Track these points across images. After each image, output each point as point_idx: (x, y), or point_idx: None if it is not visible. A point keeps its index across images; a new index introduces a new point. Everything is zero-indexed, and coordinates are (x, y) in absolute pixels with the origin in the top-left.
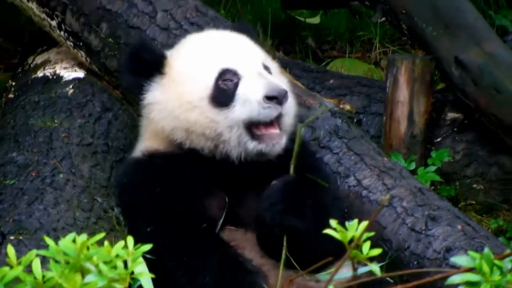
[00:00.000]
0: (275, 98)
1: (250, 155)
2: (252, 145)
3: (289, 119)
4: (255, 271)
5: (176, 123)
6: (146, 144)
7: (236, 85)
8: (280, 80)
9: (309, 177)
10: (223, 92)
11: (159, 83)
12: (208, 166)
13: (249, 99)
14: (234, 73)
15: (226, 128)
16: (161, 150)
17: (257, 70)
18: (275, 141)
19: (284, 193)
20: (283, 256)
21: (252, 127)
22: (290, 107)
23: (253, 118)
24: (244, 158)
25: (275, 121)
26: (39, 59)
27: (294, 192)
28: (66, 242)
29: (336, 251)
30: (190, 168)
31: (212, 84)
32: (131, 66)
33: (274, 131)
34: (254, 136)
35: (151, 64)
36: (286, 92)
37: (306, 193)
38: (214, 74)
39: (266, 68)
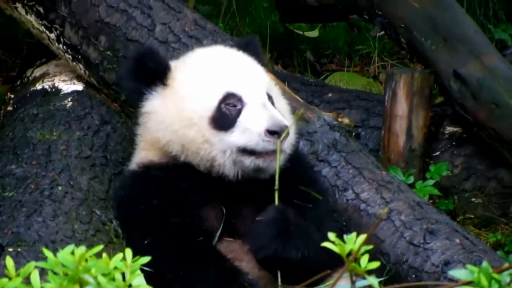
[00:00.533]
0: (276, 133)
1: (247, 172)
2: (249, 160)
3: (288, 147)
4: (252, 284)
5: (172, 137)
6: (141, 155)
7: (239, 112)
8: (282, 112)
9: (302, 190)
10: (225, 116)
11: (160, 93)
12: (203, 179)
13: (250, 129)
14: (239, 99)
15: (219, 152)
16: (156, 161)
17: (262, 100)
18: (273, 158)
19: (270, 230)
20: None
21: (247, 151)
22: (289, 141)
23: (249, 147)
24: (241, 176)
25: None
26: (37, 72)
27: (280, 226)
28: (64, 254)
29: (334, 263)
30: (186, 179)
31: (215, 106)
32: (134, 72)
33: (274, 147)
34: (250, 153)
35: (154, 73)
36: (286, 127)
37: (292, 221)
38: (219, 96)
39: (270, 97)
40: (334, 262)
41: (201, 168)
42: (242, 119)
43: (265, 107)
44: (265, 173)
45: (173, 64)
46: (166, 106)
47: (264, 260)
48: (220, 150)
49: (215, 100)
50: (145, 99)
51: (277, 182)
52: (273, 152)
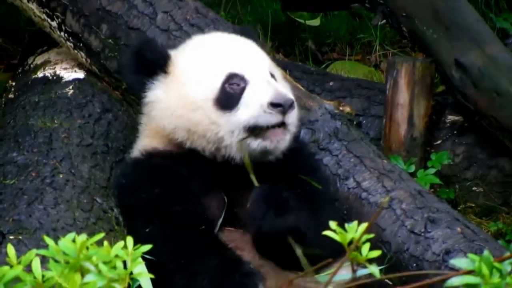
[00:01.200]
0: (279, 105)
1: (254, 155)
2: (256, 143)
3: (293, 123)
4: (254, 272)
5: (178, 122)
6: (145, 142)
7: (242, 90)
8: (286, 89)
9: (302, 179)
10: (229, 95)
11: (162, 81)
12: (207, 166)
13: (253, 103)
14: (242, 78)
15: (227, 132)
16: (160, 149)
17: (265, 77)
18: (280, 137)
19: (267, 200)
20: None
21: (255, 131)
22: (293, 116)
23: (252, 122)
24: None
25: (277, 126)
26: (39, 60)
27: (277, 197)
28: (65, 242)
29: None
30: (189, 167)
31: (219, 86)
32: (134, 64)
33: (278, 128)
34: (257, 135)
35: (154, 63)
36: (292, 102)
37: (291, 195)
38: (222, 77)
39: (272, 76)
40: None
41: (207, 153)
42: (245, 96)
43: (269, 83)
44: (272, 155)
45: (173, 52)
46: (169, 94)
47: (259, 236)
48: (227, 131)
49: (219, 81)
50: (148, 89)
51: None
52: (279, 128)
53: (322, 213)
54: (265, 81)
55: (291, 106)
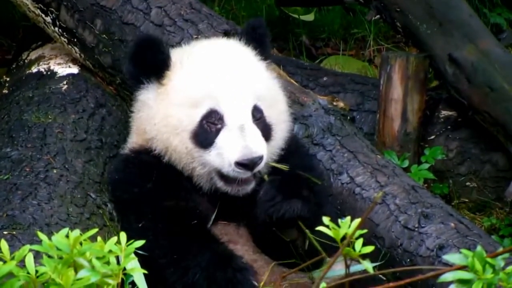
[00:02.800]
0: (245, 165)
1: (219, 191)
2: (220, 184)
3: (270, 156)
4: (246, 267)
5: (158, 136)
6: (133, 139)
7: (218, 132)
8: (272, 124)
9: (301, 175)
10: (206, 133)
11: (155, 88)
12: None
13: (223, 156)
14: (220, 118)
15: (199, 165)
16: (146, 147)
17: (241, 123)
18: (242, 188)
19: (278, 187)
20: None
21: (224, 176)
22: (268, 153)
23: (224, 172)
24: (213, 191)
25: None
26: (33, 55)
27: (287, 185)
28: (59, 237)
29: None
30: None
31: (198, 121)
32: (135, 58)
33: (246, 177)
34: (223, 177)
35: (153, 68)
36: (260, 158)
37: (299, 184)
38: (203, 111)
39: (258, 111)
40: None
41: (184, 172)
42: (218, 142)
43: (243, 131)
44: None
45: (173, 57)
46: (158, 105)
47: (276, 215)
48: (199, 164)
49: (199, 115)
50: (142, 87)
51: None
52: (246, 179)
53: (323, 206)
54: (239, 129)
55: (257, 162)
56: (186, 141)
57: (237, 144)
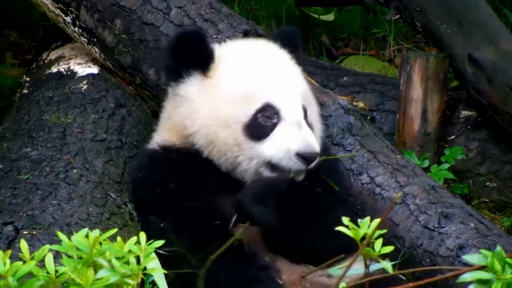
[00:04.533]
0: (305, 158)
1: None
2: (269, 174)
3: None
4: (269, 265)
5: (202, 129)
6: (163, 136)
7: (274, 126)
8: (314, 126)
9: (322, 179)
10: (260, 127)
11: (198, 81)
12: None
13: (281, 146)
14: (276, 113)
15: (246, 159)
16: (177, 145)
17: (298, 119)
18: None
19: (253, 188)
20: None
21: (274, 167)
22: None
23: (274, 161)
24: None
25: None
26: (53, 55)
27: (265, 189)
28: (79, 237)
29: (342, 248)
30: (205, 165)
31: (252, 114)
32: (177, 51)
33: (300, 169)
34: (274, 170)
35: (198, 59)
36: (318, 155)
37: (280, 191)
38: (257, 105)
39: (305, 111)
40: (334, 247)
41: (222, 167)
42: (276, 134)
43: (301, 127)
44: None
45: (217, 54)
46: (203, 98)
47: (239, 209)
48: (247, 157)
49: (253, 108)
50: (182, 81)
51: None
52: (295, 172)
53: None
54: (298, 124)
55: (316, 158)
56: (237, 133)
57: (299, 137)
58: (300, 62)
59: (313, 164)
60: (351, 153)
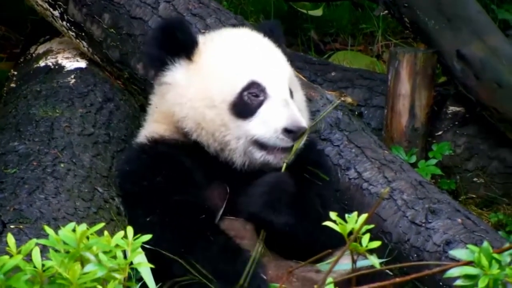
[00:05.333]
0: (292, 132)
1: (255, 164)
2: (260, 155)
3: (302, 142)
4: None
5: (190, 112)
6: (152, 128)
7: (260, 103)
8: (300, 108)
9: (310, 171)
10: (246, 104)
11: (184, 66)
12: (211, 159)
13: (268, 123)
14: (262, 90)
15: (234, 138)
16: (166, 137)
17: (285, 96)
18: (284, 156)
19: (260, 190)
20: None
21: (261, 145)
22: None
23: (262, 140)
24: (247, 166)
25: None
26: (41, 49)
27: (271, 189)
28: (66, 231)
29: (334, 243)
30: (193, 158)
31: (238, 92)
32: (160, 40)
33: (284, 149)
34: (262, 148)
35: (181, 45)
36: (305, 129)
37: (287, 189)
38: (243, 83)
39: (290, 92)
40: (335, 242)
41: (211, 149)
42: (262, 111)
43: (287, 104)
44: (272, 168)
45: (201, 39)
46: (189, 81)
47: (251, 219)
48: (235, 136)
49: (239, 86)
50: (167, 69)
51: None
52: (284, 149)
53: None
54: (284, 101)
55: (304, 131)
56: (224, 112)
57: (285, 113)
58: (284, 53)
59: (301, 144)
60: (339, 147)
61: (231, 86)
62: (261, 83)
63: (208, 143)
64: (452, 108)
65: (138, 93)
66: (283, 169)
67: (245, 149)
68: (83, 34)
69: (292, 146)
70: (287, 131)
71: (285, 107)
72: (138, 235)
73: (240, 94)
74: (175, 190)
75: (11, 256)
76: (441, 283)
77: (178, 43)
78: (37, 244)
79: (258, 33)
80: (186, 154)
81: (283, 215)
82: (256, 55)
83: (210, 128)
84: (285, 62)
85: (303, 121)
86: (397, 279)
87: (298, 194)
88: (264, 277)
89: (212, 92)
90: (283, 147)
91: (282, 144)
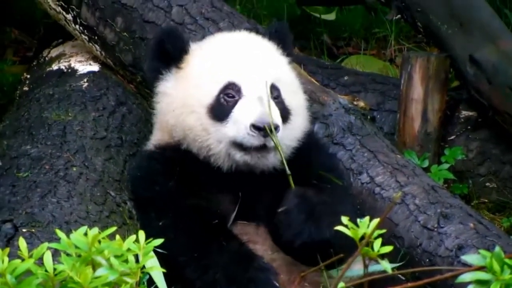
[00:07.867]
0: (261, 129)
1: (241, 167)
2: (239, 155)
3: (287, 142)
4: (267, 267)
5: (176, 121)
6: (158, 135)
7: (235, 103)
8: (291, 106)
9: (323, 175)
10: (222, 106)
11: (173, 75)
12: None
13: (239, 122)
14: (238, 90)
15: (215, 142)
16: (171, 143)
17: (259, 94)
18: (261, 155)
19: (299, 216)
20: None
21: (240, 146)
22: (285, 136)
23: (238, 140)
24: (234, 169)
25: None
26: (54, 52)
27: (306, 210)
28: (77, 235)
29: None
30: (196, 161)
31: (215, 95)
32: (155, 51)
33: (260, 149)
34: (241, 149)
35: (170, 55)
36: (276, 126)
37: (315, 201)
38: (220, 86)
39: (276, 89)
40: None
41: (200, 157)
42: (235, 111)
43: (260, 100)
44: (256, 169)
45: (193, 47)
46: (176, 90)
47: (302, 246)
48: (215, 140)
49: (216, 89)
50: (161, 79)
51: (286, 167)
52: (262, 148)
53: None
54: (258, 99)
55: (275, 129)
56: (203, 117)
57: (254, 109)
58: (288, 52)
59: (275, 139)
60: (351, 152)
61: (208, 90)
62: (237, 83)
63: (196, 150)
64: (464, 113)
65: (151, 97)
66: (291, 184)
67: (227, 152)
68: (96, 37)
69: (265, 146)
70: (254, 127)
71: (256, 103)
72: (150, 239)
73: (217, 97)
74: (187, 194)
75: (23, 260)
76: None
77: (169, 53)
78: (49, 248)
79: (257, 36)
80: (190, 159)
81: (328, 225)
82: (237, 57)
83: (192, 134)
84: (274, 63)
85: (274, 118)
86: (409, 284)
87: (324, 199)
88: (277, 284)
89: (192, 97)
90: (257, 147)
91: (254, 142)
